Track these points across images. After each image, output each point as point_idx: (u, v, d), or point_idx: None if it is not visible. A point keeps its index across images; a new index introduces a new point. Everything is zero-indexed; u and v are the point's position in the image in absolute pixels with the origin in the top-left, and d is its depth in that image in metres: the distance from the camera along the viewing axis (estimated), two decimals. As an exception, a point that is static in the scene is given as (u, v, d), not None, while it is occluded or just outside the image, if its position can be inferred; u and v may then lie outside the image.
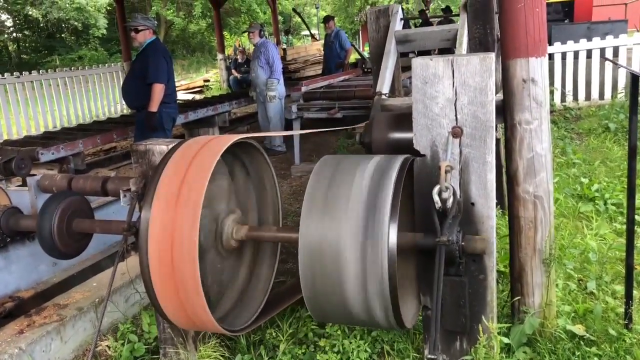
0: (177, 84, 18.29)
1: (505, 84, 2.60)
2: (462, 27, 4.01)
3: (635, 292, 3.21)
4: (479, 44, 4.09)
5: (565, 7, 11.23)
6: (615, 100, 8.68)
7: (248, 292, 2.69)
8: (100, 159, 7.25)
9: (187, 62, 30.22)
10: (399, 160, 2.21)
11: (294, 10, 21.05)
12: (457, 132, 2.27)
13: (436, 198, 2.12)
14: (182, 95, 16.28)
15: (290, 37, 22.96)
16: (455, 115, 2.26)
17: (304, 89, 6.80)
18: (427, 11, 18.19)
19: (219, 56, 15.70)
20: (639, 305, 3.06)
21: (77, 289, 3.31)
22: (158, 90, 5.25)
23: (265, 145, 7.53)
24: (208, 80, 17.38)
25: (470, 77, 2.22)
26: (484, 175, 2.27)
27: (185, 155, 2.34)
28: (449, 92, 2.25)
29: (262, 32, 7.53)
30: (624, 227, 4.18)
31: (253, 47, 7.81)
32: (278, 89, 7.35)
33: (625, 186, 5.08)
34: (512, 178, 2.63)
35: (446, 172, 2.16)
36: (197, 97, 15.86)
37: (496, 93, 2.59)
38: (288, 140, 7.46)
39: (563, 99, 9.32)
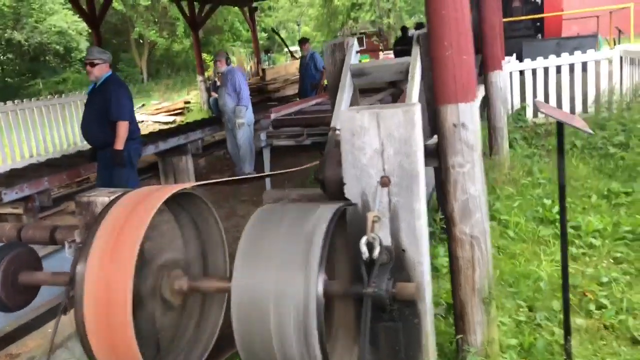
0: (159, 105, 18.37)
1: (438, 128, 2.67)
2: (414, 59, 4.08)
3: (582, 320, 3.28)
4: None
5: (537, 22, 11.40)
6: (585, 115, 8.80)
7: (194, 344, 2.71)
8: (73, 191, 7.25)
9: (172, 81, 30.33)
10: (331, 209, 2.26)
11: (273, 30, 21.23)
12: (385, 182, 2.33)
13: (363, 249, 2.17)
14: (164, 118, 16.33)
15: (271, 54, 23.07)
16: (383, 166, 2.32)
17: (273, 115, 6.86)
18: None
19: (199, 78, 15.78)
20: (584, 336, 3.12)
21: (32, 336, 3.32)
22: (124, 127, 5.25)
23: (236, 173, 7.58)
24: (189, 102, 17.44)
25: (395, 128, 2.27)
26: (412, 223, 2.32)
27: (123, 208, 2.37)
28: (375, 144, 2.31)
29: (229, 60, 7.62)
30: (580, 250, 4.26)
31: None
32: (246, 115, 7.42)
33: (585, 206, 5.19)
34: (449, 219, 2.69)
35: (374, 222, 2.22)
36: (178, 119, 15.92)
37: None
38: (260, 167, 7.51)
39: (535, 115, 9.44)
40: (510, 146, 7.26)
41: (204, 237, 2.87)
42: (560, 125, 2.56)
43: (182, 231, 2.85)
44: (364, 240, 2.18)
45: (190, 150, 7.62)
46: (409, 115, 2.25)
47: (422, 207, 2.33)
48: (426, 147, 3.14)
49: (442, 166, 2.69)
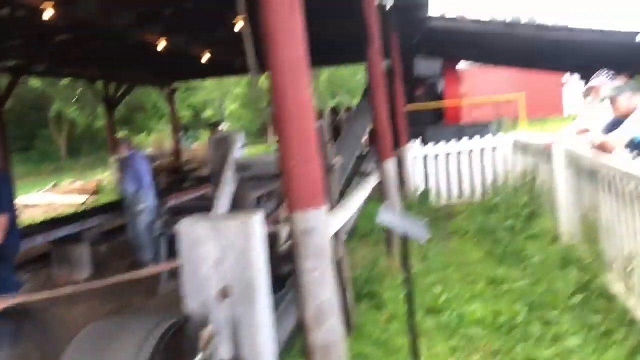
0: (74, 184, 17.73)
1: (292, 233, 2.68)
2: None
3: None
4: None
5: (439, 110, 12.13)
6: (481, 199, 9.23)
7: None
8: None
9: (91, 159, 29.57)
10: (162, 326, 2.18)
11: (193, 115, 21.39)
12: (225, 294, 2.28)
13: (195, 368, 2.09)
14: (75, 198, 15.74)
15: (194, 133, 23.06)
16: (223, 277, 2.28)
17: (171, 202, 6.76)
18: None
19: (111, 158, 15.45)
20: None
21: None
22: (3, 221, 4.99)
23: (135, 261, 7.30)
24: (101, 182, 16.96)
25: (233, 239, 2.26)
26: (253, 336, 2.27)
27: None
28: (215, 254, 2.28)
29: (130, 145, 7.55)
30: (461, 342, 4.31)
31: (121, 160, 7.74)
32: (147, 201, 7.24)
33: (473, 293, 5.29)
34: (304, 326, 2.66)
35: (210, 338, 2.15)
36: (91, 198, 15.40)
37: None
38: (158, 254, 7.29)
39: (438, 197, 9.81)
40: (411, 230, 7.43)
41: (46, 350, 2.69)
42: (405, 238, 2.63)
43: (24, 343, 2.66)
44: (197, 358, 2.10)
45: (86, 238, 7.30)
46: (247, 226, 2.25)
47: (264, 319, 2.29)
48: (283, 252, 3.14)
49: (296, 271, 2.68)
